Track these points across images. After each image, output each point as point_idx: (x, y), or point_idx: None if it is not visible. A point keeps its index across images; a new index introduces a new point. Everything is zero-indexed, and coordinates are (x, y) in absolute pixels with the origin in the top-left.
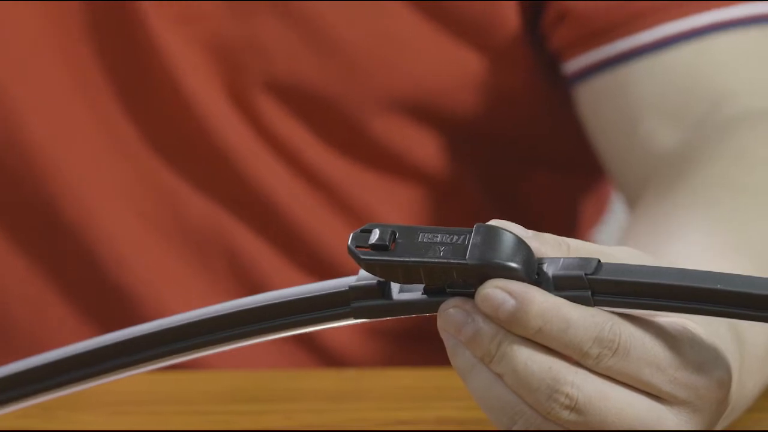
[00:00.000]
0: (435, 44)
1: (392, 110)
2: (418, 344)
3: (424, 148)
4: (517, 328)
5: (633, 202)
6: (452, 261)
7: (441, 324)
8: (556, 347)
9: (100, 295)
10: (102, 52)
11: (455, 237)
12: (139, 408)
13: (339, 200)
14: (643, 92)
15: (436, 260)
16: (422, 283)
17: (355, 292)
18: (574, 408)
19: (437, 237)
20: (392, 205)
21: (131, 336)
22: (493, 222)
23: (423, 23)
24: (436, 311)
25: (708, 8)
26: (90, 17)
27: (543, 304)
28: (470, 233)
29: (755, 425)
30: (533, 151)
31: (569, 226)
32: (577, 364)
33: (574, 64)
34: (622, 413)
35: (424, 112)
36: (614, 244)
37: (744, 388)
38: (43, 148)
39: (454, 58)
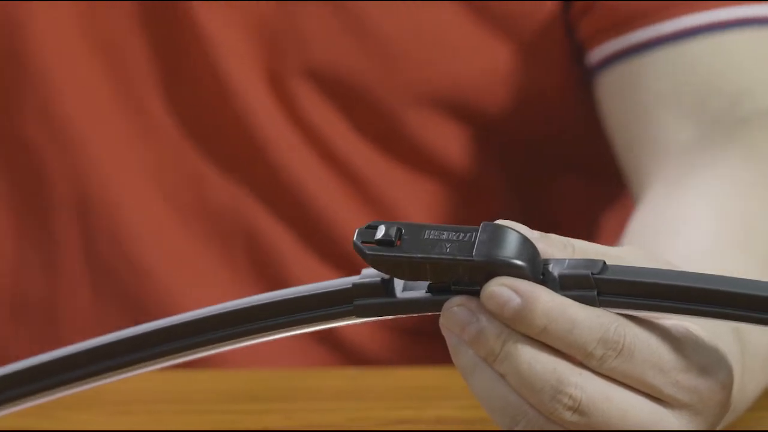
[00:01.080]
0: (473, 39)
1: (427, 105)
2: (439, 341)
3: (455, 146)
4: (521, 327)
5: (640, 193)
6: (459, 257)
7: (444, 322)
8: (560, 347)
9: (120, 271)
10: (142, 30)
11: (462, 234)
12: (139, 408)
13: (365, 192)
14: (659, 83)
15: (442, 256)
16: (428, 280)
17: (359, 289)
18: (577, 409)
19: (443, 234)
20: (418, 201)
21: (130, 335)
22: (500, 222)
23: (463, 17)
24: (440, 310)
25: (731, 4)
26: None
27: (549, 303)
28: (477, 231)
29: (755, 424)
30: (562, 156)
31: (591, 237)
32: (581, 365)
33: (597, 54)
34: (625, 415)
35: (458, 109)
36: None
37: (745, 389)
38: (74, 122)
39: (491, 54)
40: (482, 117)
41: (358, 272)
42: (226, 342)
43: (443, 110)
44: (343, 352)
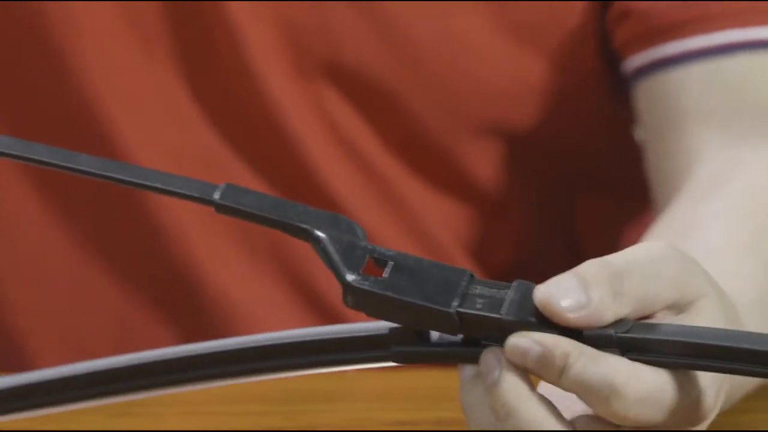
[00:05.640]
0: (502, 48)
1: (452, 113)
2: None
3: (480, 158)
4: (545, 372)
5: (664, 205)
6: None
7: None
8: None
9: (146, 259)
10: (171, 22)
11: (495, 290)
12: (139, 408)
13: (388, 197)
14: (692, 98)
15: (473, 312)
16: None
17: (395, 335)
18: None
19: (476, 288)
20: (440, 213)
21: (161, 358)
22: (539, 290)
23: (492, 26)
24: (475, 361)
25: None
26: None
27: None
28: (509, 288)
29: (755, 425)
30: (587, 172)
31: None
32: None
33: (631, 63)
34: None
35: (484, 119)
36: None
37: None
38: (104, 112)
39: (519, 63)
40: (508, 128)
41: (378, 275)
42: (257, 374)
43: (469, 120)
44: None
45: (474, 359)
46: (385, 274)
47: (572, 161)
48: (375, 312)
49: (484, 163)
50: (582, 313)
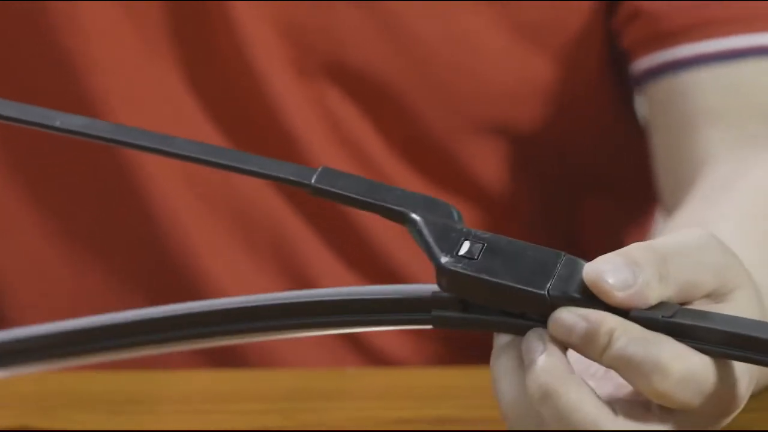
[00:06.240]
0: (507, 47)
1: (456, 113)
2: (469, 347)
3: (484, 158)
4: (589, 349)
5: (673, 209)
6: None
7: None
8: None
9: (146, 256)
10: (173, 21)
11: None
12: (139, 408)
13: None
14: (704, 101)
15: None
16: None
17: (437, 300)
18: None
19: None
20: None
21: (219, 308)
22: (588, 267)
23: (497, 25)
24: (517, 332)
25: None
26: None
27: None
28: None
29: (755, 425)
30: (591, 173)
31: None
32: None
33: (641, 64)
34: None
35: (488, 119)
36: None
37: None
38: (107, 111)
39: (524, 63)
40: (512, 128)
41: (378, 273)
42: (303, 329)
43: (473, 120)
44: (364, 351)
45: (513, 330)
46: (479, 256)
47: (577, 161)
48: (468, 293)
49: (487, 163)
50: (629, 292)
